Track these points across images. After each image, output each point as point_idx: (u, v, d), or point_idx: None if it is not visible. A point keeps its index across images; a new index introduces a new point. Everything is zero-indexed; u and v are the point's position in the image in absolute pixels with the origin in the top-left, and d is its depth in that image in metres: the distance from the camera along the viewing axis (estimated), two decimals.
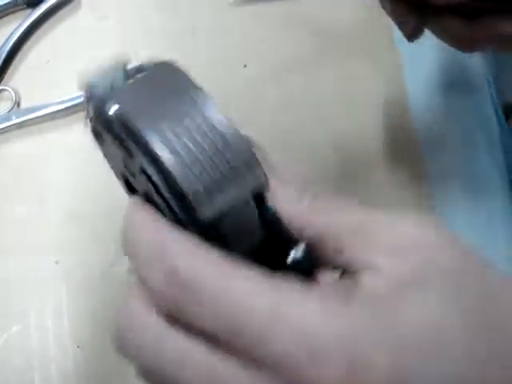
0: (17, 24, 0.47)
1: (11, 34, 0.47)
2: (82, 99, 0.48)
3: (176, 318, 0.23)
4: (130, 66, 0.27)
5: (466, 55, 0.56)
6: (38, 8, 0.47)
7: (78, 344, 0.45)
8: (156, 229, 0.25)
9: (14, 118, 0.48)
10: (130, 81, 0.25)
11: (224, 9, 0.50)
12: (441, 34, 0.41)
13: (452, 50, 0.55)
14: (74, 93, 0.48)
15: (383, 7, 0.40)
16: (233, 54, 0.50)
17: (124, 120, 0.23)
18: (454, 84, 0.55)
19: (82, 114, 0.48)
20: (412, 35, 0.41)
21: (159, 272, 0.23)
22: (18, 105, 0.48)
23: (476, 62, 0.56)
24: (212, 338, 0.23)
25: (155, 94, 0.24)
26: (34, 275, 0.46)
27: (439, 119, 0.54)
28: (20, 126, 0.48)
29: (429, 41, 0.45)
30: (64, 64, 0.48)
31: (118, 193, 0.48)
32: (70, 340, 0.45)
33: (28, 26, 0.47)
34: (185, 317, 0.23)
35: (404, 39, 0.45)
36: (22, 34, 0.47)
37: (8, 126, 0.48)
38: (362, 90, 0.51)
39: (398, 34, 0.53)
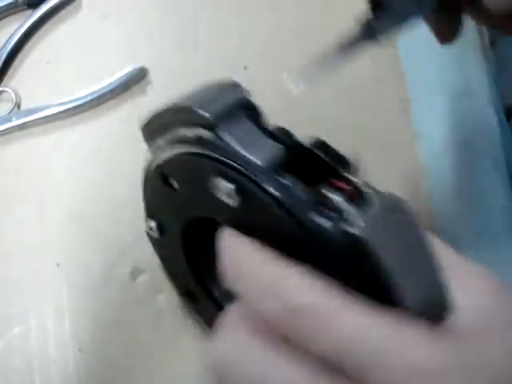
0: (17, 25, 0.47)
1: (12, 34, 0.47)
2: (82, 100, 0.48)
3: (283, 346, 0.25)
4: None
5: (466, 59, 0.56)
6: (38, 9, 0.47)
7: (78, 346, 0.45)
8: (267, 261, 0.27)
9: (14, 119, 0.48)
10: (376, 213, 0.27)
11: (225, 10, 0.50)
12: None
13: (452, 54, 0.55)
14: (74, 94, 0.48)
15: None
16: (233, 55, 0.50)
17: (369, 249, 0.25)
18: (454, 87, 0.55)
19: (83, 116, 0.48)
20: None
21: (276, 303, 0.25)
22: (19, 106, 0.48)
23: (477, 64, 0.56)
24: (319, 363, 0.24)
25: (395, 234, 0.26)
26: (34, 277, 0.46)
27: (440, 122, 0.54)
28: (20, 127, 0.48)
29: (429, 46, 0.46)
30: (65, 65, 0.48)
31: (118, 194, 0.48)
32: (70, 342, 0.45)
33: (29, 27, 0.47)
34: (298, 343, 0.25)
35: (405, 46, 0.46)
36: (22, 34, 0.47)
37: (8, 128, 0.48)
38: (363, 93, 0.51)
39: (400, 41, 0.53)
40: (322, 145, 0.31)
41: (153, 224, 0.39)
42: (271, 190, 0.29)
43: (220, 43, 0.50)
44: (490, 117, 0.55)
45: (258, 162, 0.30)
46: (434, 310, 0.26)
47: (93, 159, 0.48)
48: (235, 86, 0.35)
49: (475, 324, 0.25)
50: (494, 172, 0.54)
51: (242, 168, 0.29)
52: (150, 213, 0.39)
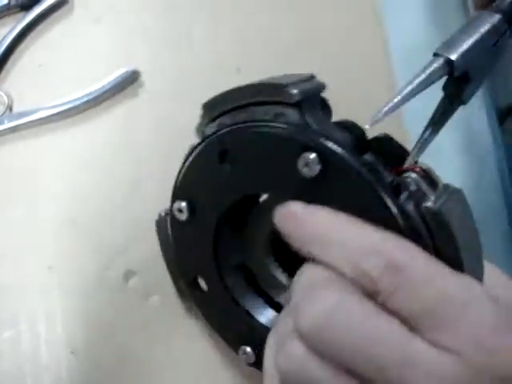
0: (10, 27, 0.47)
1: (4, 37, 0.47)
2: (75, 103, 0.48)
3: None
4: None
5: None
6: (31, 11, 0.47)
7: (71, 349, 0.45)
8: (362, 224, 0.30)
9: (6, 122, 0.48)
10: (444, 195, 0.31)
11: (218, 13, 0.50)
12: None
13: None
14: (66, 96, 0.48)
15: None
16: (226, 58, 0.50)
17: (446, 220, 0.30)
18: None
19: (75, 118, 0.48)
20: None
21: (380, 261, 0.29)
22: (11, 109, 0.48)
23: None
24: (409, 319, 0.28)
25: (459, 210, 0.31)
26: (26, 280, 0.46)
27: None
28: (12, 130, 0.48)
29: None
30: (57, 67, 0.48)
31: (111, 197, 0.48)
32: (63, 345, 0.45)
33: (21, 30, 0.47)
34: (393, 301, 0.28)
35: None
36: (15, 37, 0.47)
37: (1, 131, 0.47)
38: (358, 100, 0.51)
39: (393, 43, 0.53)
40: (387, 136, 0.35)
41: (183, 204, 0.39)
42: (357, 163, 0.31)
43: (213, 46, 0.50)
44: (482, 122, 0.56)
45: (342, 140, 0.33)
46: (477, 276, 0.31)
47: (85, 162, 0.48)
48: (312, 78, 0.36)
49: (502, 293, 0.30)
50: (485, 177, 0.54)
51: (328, 141, 0.32)
52: (183, 193, 0.39)
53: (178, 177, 0.40)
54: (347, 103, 0.47)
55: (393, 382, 0.28)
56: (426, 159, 0.52)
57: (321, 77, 0.37)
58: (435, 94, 0.53)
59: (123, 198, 0.48)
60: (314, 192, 0.32)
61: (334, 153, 0.32)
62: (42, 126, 0.48)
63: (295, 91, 0.33)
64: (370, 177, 0.31)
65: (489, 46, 0.35)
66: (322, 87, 0.36)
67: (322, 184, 0.32)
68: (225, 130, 0.36)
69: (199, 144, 0.38)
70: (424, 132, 0.37)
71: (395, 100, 0.33)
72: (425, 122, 0.52)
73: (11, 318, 0.45)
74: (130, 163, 0.48)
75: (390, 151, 0.34)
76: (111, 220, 0.47)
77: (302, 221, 0.32)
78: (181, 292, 0.45)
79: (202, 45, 0.49)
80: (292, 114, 0.34)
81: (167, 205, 0.43)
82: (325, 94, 0.37)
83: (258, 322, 0.40)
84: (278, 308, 0.41)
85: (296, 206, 0.32)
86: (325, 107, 0.37)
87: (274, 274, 0.40)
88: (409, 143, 0.50)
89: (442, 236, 0.30)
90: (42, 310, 0.45)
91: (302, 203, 0.32)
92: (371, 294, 0.29)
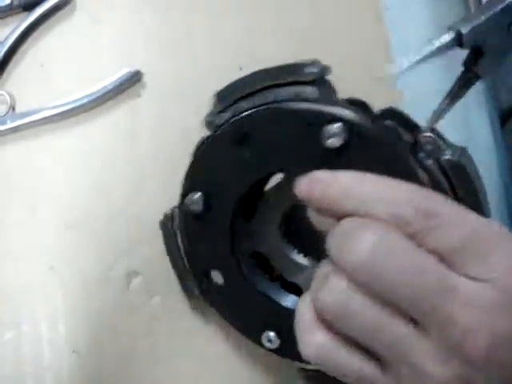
0: (12, 27, 0.47)
1: (7, 37, 0.47)
2: (77, 103, 0.48)
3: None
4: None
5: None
6: (33, 11, 0.47)
7: (73, 349, 0.45)
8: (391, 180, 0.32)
9: (8, 122, 0.48)
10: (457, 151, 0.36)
11: (220, 11, 0.50)
12: None
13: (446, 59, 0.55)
14: (69, 97, 0.48)
15: None
16: (228, 57, 0.50)
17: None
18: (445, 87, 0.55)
19: (78, 118, 0.48)
20: None
21: (413, 208, 0.30)
22: (13, 109, 0.48)
23: None
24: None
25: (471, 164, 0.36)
26: (28, 281, 0.46)
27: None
28: (15, 130, 0.48)
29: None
30: (59, 68, 0.48)
31: (113, 197, 0.48)
32: (65, 345, 0.45)
33: (24, 30, 0.47)
34: (430, 240, 0.30)
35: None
36: (17, 37, 0.47)
37: (3, 130, 0.48)
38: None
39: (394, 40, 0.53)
40: (396, 109, 0.38)
41: (197, 196, 0.39)
42: (380, 129, 0.34)
43: (215, 45, 0.50)
44: (483, 122, 0.56)
45: (361, 111, 0.35)
46: None
47: (87, 162, 0.48)
48: (318, 61, 0.38)
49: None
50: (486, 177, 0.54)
51: (351, 111, 0.34)
52: (197, 184, 0.40)
53: (188, 170, 0.40)
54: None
55: (435, 313, 0.29)
56: None
57: None
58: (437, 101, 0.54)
59: (126, 198, 0.48)
60: (339, 162, 0.34)
61: (359, 121, 0.34)
62: (45, 126, 0.48)
63: (312, 69, 0.36)
64: (393, 138, 0.34)
65: (503, 25, 0.36)
66: (328, 70, 0.38)
67: (346, 153, 0.34)
68: (244, 114, 0.37)
69: (214, 133, 0.39)
70: (442, 103, 0.38)
71: (404, 66, 0.36)
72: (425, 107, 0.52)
73: (13, 319, 0.46)
74: (133, 163, 0.48)
75: (400, 116, 0.37)
76: (113, 220, 0.47)
77: (329, 183, 0.33)
78: (187, 291, 0.44)
79: (204, 44, 0.49)
80: (311, 92, 0.36)
81: (170, 205, 0.43)
82: None
83: (280, 305, 0.41)
84: (296, 291, 0.41)
85: (320, 173, 0.33)
86: (331, 88, 0.38)
87: (289, 256, 0.41)
88: None
89: (463, 184, 0.34)
90: (43, 310, 0.45)
91: (326, 170, 0.33)
92: (409, 236, 0.31)
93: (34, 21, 0.47)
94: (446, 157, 0.34)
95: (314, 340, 0.32)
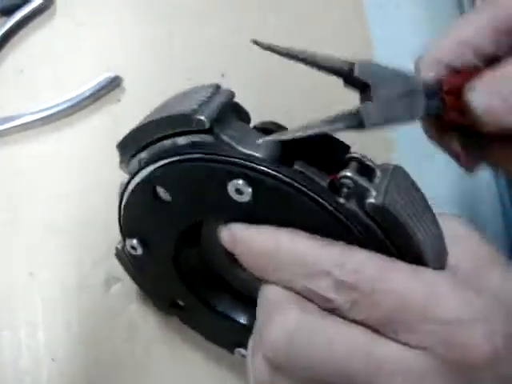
0: None
1: None
2: (57, 108, 0.47)
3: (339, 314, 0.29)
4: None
5: None
6: (12, 16, 0.47)
7: (52, 356, 0.45)
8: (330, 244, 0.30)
9: None
10: (385, 181, 0.30)
11: (201, 17, 0.50)
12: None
13: None
14: (49, 102, 0.47)
15: (430, 137, 0.37)
16: (210, 63, 0.50)
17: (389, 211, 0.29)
18: None
19: (58, 124, 0.48)
20: (468, 167, 0.37)
21: (330, 281, 0.28)
22: None
23: None
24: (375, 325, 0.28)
25: (403, 195, 0.30)
26: (6, 287, 0.46)
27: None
28: None
29: None
30: (39, 73, 0.48)
31: (93, 202, 0.48)
32: (44, 352, 0.45)
33: (3, 35, 0.47)
34: (354, 315, 0.28)
35: None
36: None
37: None
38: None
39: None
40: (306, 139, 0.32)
41: (134, 242, 0.38)
42: (287, 178, 0.30)
43: (196, 50, 0.50)
44: None
45: (264, 157, 0.31)
46: (440, 256, 0.30)
47: (67, 167, 0.48)
48: (217, 88, 0.35)
49: (469, 266, 0.30)
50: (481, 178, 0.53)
51: (251, 163, 0.31)
52: (131, 231, 0.38)
53: (119, 215, 0.39)
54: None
55: None
56: (424, 159, 0.52)
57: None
58: None
59: (106, 203, 0.47)
60: (253, 214, 0.31)
61: (260, 172, 0.30)
62: (25, 132, 0.48)
63: (203, 117, 0.32)
64: (303, 187, 0.30)
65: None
66: (231, 95, 0.35)
67: (259, 205, 0.31)
68: (148, 169, 0.34)
69: (128, 182, 0.36)
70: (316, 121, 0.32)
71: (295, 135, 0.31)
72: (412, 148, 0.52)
73: None
74: (113, 169, 0.48)
75: (319, 146, 0.33)
76: (93, 225, 0.47)
77: (244, 244, 0.31)
78: (161, 309, 0.45)
79: (185, 50, 0.49)
80: (209, 140, 0.32)
81: None
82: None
83: (245, 325, 0.40)
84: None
85: (237, 227, 0.32)
86: (241, 113, 0.35)
87: (240, 275, 0.40)
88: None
89: (393, 230, 0.29)
90: (22, 316, 0.45)
91: (243, 224, 0.32)
92: (330, 309, 0.29)
93: (13, 26, 0.47)
94: (369, 200, 0.29)
95: None
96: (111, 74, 0.48)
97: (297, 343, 0.29)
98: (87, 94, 0.47)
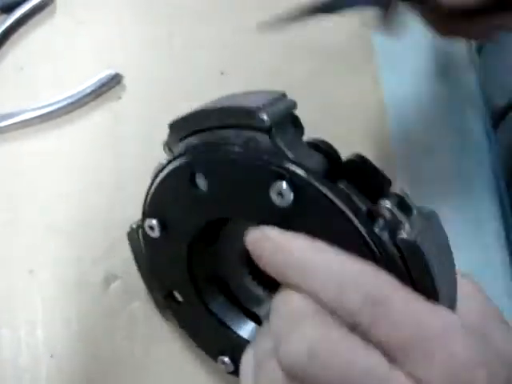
0: None
1: None
2: (57, 105, 0.47)
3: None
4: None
5: (449, 61, 0.56)
6: (12, 14, 0.47)
7: (51, 353, 0.45)
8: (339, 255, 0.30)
9: None
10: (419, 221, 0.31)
11: (201, 15, 0.50)
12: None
13: (436, 55, 0.55)
14: (49, 99, 0.47)
15: None
16: (209, 61, 0.50)
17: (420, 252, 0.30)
18: (440, 89, 0.54)
19: (58, 121, 0.48)
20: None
21: (358, 294, 0.29)
22: None
23: (463, 66, 0.56)
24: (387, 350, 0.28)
25: (433, 238, 0.31)
26: (6, 284, 0.46)
27: (425, 126, 0.53)
28: None
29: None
30: (39, 70, 0.48)
31: (93, 200, 0.48)
32: (43, 349, 0.45)
33: (2, 32, 0.47)
34: (373, 333, 0.29)
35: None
36: None
37: None
38: (340, 103, 0.50)
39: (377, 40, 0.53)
40: (362, 158, 0.34)
41: (154, 222, 0.38)
42: (330, 193, 0.31)
43: (196, 49, 0.50)
44: (476, 123, 0.55)
45: (315, 166, 0.32)
46: (451, 303, 0.31)
47: (67, 165, 0.48)
48: (283, 96, 0.35)
49: (474, 322, 0.30)
50: (479, 174, 0.53)
51: (300, 169, 0.31)
52: (154, 212, 0.39)
53: (147, 194, 0.39)
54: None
55: None
56: (422, 160, 0.52)
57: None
58: (430, 98, 0.53)
59: (106, 201, 0.48)
60: (288, 220, 0.32)
61: (305, 182, 0.31)
62: (25, 129, 0.48)
63: (265, 117, 0.32)
64: (343, 206, 0.30)
65: None
66: (293, 106, 0.35)
67: (295, 212, 0.31)
68: (194, 154, 0.35)
69: (168, 163, 0.37)
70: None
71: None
72: (418, 128, 0.52)
73: None
74: (113, 166, 0.48)
75: (364, 173, 0.33)
76: (93, 223, 0.47)
77: (278, 246, 0.31)
78: (157, 302, 0.44)
79: (185, 49, 0.49)
80: (263, 139, 0.33)
81: None
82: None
83: (235, 333, 0.40)
84: (255, 319, 0.41)
85: (272, 231, 0.32)
86: (297, 126, 0.36)
87: (248, 286, 0.40)
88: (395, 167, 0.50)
89: (417, 267, 0.30)
90: (22, 314, 0.45)
91: (277, 229, 0.32)
92: (352, 325, 0.29)
93: (13, 23, 0.47)
94: (402, 235, 0.30)
95: None
96: (112, 71, 0.47)
97: (317, 358, 0.29)
98: (88, 91, 0.47)
